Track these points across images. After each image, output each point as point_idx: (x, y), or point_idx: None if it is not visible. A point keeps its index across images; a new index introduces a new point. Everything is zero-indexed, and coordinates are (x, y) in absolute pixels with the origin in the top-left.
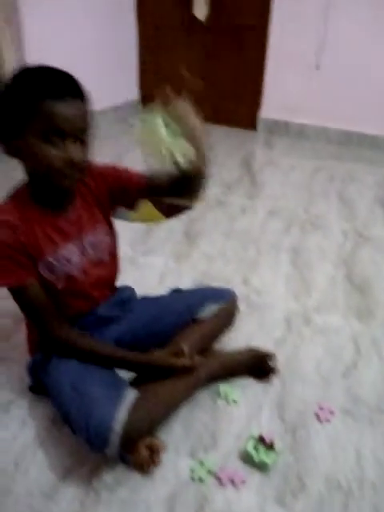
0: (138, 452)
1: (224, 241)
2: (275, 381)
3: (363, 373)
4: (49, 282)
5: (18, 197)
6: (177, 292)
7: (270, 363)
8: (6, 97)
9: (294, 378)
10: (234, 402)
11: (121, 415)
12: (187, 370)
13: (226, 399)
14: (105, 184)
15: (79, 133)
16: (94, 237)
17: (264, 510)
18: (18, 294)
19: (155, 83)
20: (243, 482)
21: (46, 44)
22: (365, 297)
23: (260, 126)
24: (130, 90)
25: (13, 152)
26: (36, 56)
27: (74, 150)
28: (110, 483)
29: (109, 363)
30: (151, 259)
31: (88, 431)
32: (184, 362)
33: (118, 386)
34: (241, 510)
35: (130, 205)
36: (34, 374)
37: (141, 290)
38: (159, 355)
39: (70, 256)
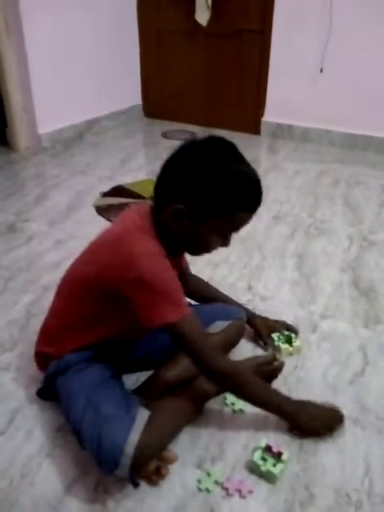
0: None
1: (229, 247)
2: (282, 389)
3: (371, 380)
4: None
5: (154, 236)
6: None
7: (276, 364)
8: (209, 181)
9: (301, 386)
10: (241, 411)
11: (133, 438)
12: None
13: (233, 409)
14: None
15: None
16: None
17: None
18: (184, 324)
19: (158, 88)
20: (250, 492)
21: (49, 51)
22: (371, 302)
23: (263, 130)
24: (134, 95)
25: (173, 220)
26: (39, 63)
27: (230, 241)
28: (116, 494)
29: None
30: None
31: (99, 452)
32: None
33: (130, 405)
34: None
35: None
36: (49, 381)
37: None
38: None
39: None
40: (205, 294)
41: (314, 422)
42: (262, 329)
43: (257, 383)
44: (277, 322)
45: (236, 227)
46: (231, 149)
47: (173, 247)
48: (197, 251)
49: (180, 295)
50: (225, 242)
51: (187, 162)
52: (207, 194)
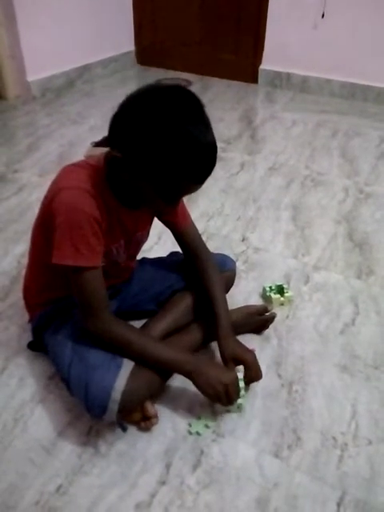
0: (132, 414)
1: (223, 198)
2: (273, 338)
3: (361, 330)
4: None
5: (97, 181)
6: (175, 255)
7: (267, 314)
8: (154, 136)
9: (292, 336)
10: (198, 433)
11: (119, 384)
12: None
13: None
14: None
15: None
16: (141, 235)
17: (260, 462)
18: (80, 274)
19: (152, 34)
20: None
21: None
22: (364, 254)
23: (261, 78)
24: (127, 41)
25: (110, 165)
26: (26, 6)
27: (176, 206)
28: (108, 437)
29: (145, 361)
30: None
31: (86, 398)
32: (225, 401)
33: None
34: (237, 462)
35: (159, 218)
36: (37, 333)
37: None
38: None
39: (120, 249)
40: (196, 268)
41: (210, 388)
42: (227, 357)
43: (144, 346)
44: (247, 352)
45: (178, 194)
46: (194, 105)
47: (128, 197)
48: (144, 206)
49: (86, 242)
50: (168, 206)
51: (139, 107)
52: (148, 150)
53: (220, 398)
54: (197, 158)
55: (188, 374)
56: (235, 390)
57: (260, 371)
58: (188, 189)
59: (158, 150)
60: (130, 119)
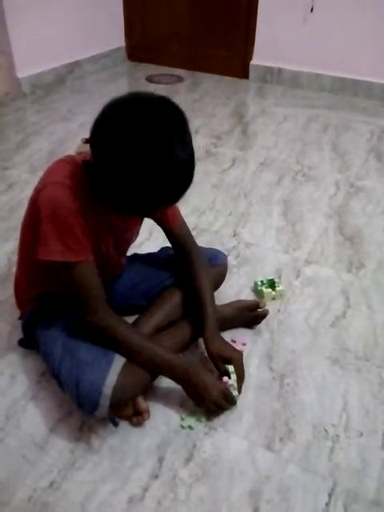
0: (123, 409)
1: (214, 193)
2: (264, 332)
3: (352, 323)
4: None
5: (81, 179)
6: (166, 251)
7: (259, 311)
8: (125, 155)
9: (283, 329)
10: (190, 427)
11: (110, 379)
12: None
13: (181, 425)
14: None
15: None
16: (130, 234)
17: (252, 455)
18: (72, 269)
19: (142, 30)
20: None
21: None
22: (355, 247)
23: (252, 73)
24: (117, 37)
25: (98, 175)
26: (15, 1)
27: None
28: (101, 432)
29: (140, 361)
30: None
31: (78, 394)
32: (221, 402)
33: (107, 349)
34: (230, 455)
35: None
36: (27, 330)
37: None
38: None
39: (110, 246)
40: (185, 265)
41: (201, 402)
42: (214, 356)
43: (140, 345)
44: (234, 351)
45: (147, 211)
46: (173, 121)
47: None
48: (123, 214)
49: (73, 236)
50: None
51: (115, 118)
52: (116, 162)
53: (212, 411)
54: (167, 178)
55: (180, 383)
56: (226, 401)
57: (244, 372)
58: (159, 205)
59: (124, 163)
60: (105, 128)
